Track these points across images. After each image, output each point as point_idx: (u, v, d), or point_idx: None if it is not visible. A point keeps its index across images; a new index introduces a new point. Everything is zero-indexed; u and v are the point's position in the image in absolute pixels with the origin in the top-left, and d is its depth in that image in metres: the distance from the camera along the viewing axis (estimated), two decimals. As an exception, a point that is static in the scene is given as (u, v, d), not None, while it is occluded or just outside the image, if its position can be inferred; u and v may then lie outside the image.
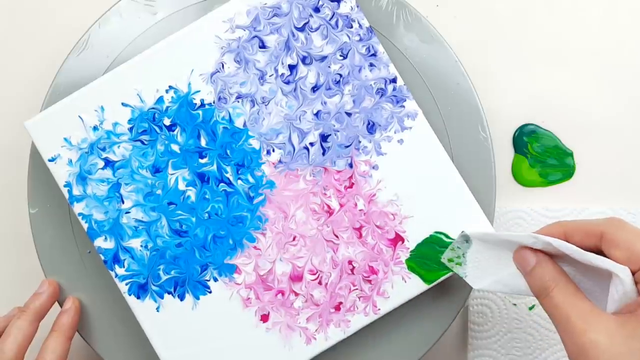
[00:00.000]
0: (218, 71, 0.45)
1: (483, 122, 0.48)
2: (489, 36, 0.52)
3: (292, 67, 0.45)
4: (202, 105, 0.45)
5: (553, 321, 0.37)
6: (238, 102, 0.45)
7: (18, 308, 0.46)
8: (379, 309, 0.44)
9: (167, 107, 0.45)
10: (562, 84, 0.52)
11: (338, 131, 0.45)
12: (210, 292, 0.45)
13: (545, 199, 0.51)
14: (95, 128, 0.45)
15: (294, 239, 0.45)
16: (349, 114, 0.45)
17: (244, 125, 0.45)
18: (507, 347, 0.50)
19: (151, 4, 0.49)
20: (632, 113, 0.52)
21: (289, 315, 0.45)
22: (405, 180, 0.45)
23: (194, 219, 0.45)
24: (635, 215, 0.50)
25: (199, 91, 0.45)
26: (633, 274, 0.36)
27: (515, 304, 0.50)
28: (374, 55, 0.45)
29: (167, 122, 0.45)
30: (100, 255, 0.45)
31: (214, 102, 0.45)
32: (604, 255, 0.37)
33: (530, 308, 0.50)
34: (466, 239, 0.42)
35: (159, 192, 0.45)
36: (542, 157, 0.51)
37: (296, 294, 0.45)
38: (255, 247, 0.45)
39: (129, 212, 0.45)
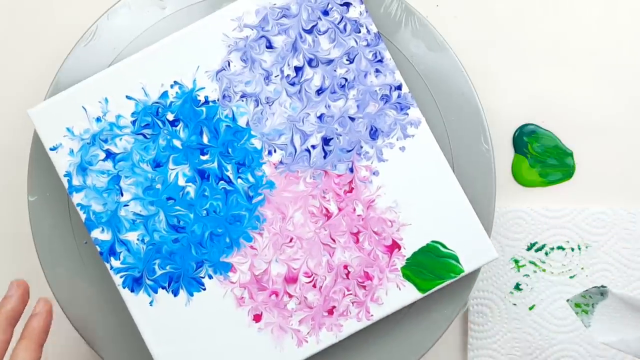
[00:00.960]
0: (224, 69, 0.45)
1: (486, 133, 0.48)
2: (489, 36, 0.52)
3: (298, 69, 0.45)
4: (206, 102, 0.45)
5: None
6: (242, 101, 0.45)
7: None
8: (372, 315, 0.44)
9: (171, 102, 0.45)
10: (562, 84, 0.52)
11: (340, 135, 0.45)
12: (204, 289, 0.45)
13: (545, 199, 0.51)
14: (98, 119, 0.45)
15: (290, 241, 0.45)
16: (352, 119, 0.45)
17: (247, 124, 0.45)
18: (507, 347, 0.50)
19: (161, -2, 0.49)
20: (632, 113, 0.52)
21: (281, 316, 0.45)
22: (405, 188, 0.45)
23: (192, 215, 0.45)
24: (635, 215, 0.50)
25: (203, 88, 0.45)
26: None
27: (515, 304, 0.50)
28: (381, 61, 0.45)
29: (170, 117, 0.45)
30: (97, 246, 0.45)
31: (218, 100, 0.45)
32: None
33: (531, 308, 0.50)
34: (602, 292, 0.42)
35: (158, 186, 0.45)
36: (542, 157, 0.52)
37: (290, 296, 0.45)
38: (251, 247, 0.45)
39: (127, 205, 0.45)
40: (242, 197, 0.45)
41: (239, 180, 0.45)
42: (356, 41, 0.45)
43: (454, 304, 0.47)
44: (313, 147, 0.45)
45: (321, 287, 0.45)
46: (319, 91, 0.45)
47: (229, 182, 0.45)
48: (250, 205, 0.45)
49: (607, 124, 0.52)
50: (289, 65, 0.45)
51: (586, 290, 0.42)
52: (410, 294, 0.45)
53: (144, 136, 0.45)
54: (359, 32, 0.45)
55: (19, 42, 0.53)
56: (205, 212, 0.45)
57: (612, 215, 0.51)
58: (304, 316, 0.45)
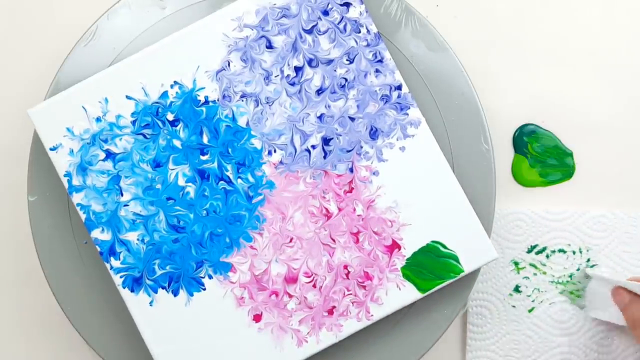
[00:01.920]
0: (224, 69, 0.45)
1: (486, 133, 0.48)
2: (489, 36, 0.52)
3: (298, 69, 0.45)
4: (206, 102, 0.45)
5: None
6: (242, 101, 0.45)
7: None
8: (372, 315, 0.44)
9: (171, 102, 0.45)
10: (562, 84, 0.52)
11: (340, 135, 0.45)
12: (204, 289, 0.45)
13: (545, 199, 0.51)
14: (98, 119, 0.45)
15: (290, 241, 0.45)
16: (352, 119, 0.45)
17: (247, 124, 0.45)
18: (506, 348, 0.50)
19: (161, -2, 0.49)
20: (632, 113, 0.52)
21: (281, 316, 0.45)
22: (405, 188, 0.45)
23: (192, 215, 0.45)
24: (636, 219, 0.51)
25: (203, 88, 0.45)
26: None
27: (514, 306, 0.50)
28: (381, 61, 0.45)
29: (170, 117, 0.45)
30: (97, 246, 0.45)
31: (218, 100, 0.45)
32: None
33: (530, 310, 0.50)
34: (587, 275, 0.50)
35: (158, 186, 0.45)
36: (542, 157, 0.51)
37: (290, 296, 0.45)
38: (251, 247, 0.45)
39: (127, 205, 0.45)
40: (242, 197, 0.45)
41: (239, 180, 0.45)
42: (356, 41, 0.45)
43: (454, 304, 0.47)
44: (313, 147, 0.45)
45: (321, 287, 0.45)
46: (319, 91, 0.45)
47: (229, 182, 0.45)
48: (250, 205, 0.45)
49: (607, 124, 0.52)
50: (289, 65, 0.45)
51: (575, 276, 0.49)
52: (410, 294, 0.45)
53: (144, 136, 0.45)
54: (359, 32, 0.45)
55: (19, 42, 0.53)
56: (205, 212, 0.45)
57: (613, 218, 0.51)
58: (304, 316, 0.45)
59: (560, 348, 0.50)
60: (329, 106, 0.45)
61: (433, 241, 0.45)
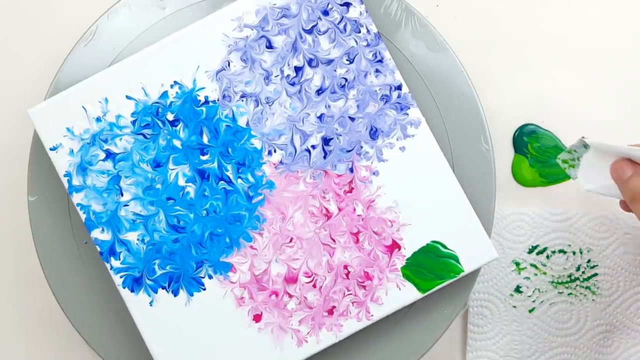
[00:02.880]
0: (224, 69, 0.45)
1: (486, 133, 0.48)
2: (489, 36, 0.52)
3: (298, 69, 0.45)
4: (206, 102, 0.45)
5: None
6: (242, 101, 0.45)
7: None
8: (372, 315, 0.44)
9: (171, 102, 0.45)
10: (562, 84, 0.52)
11: (340, 135, 0.45)
12: (204, 289, 0.45)
13: (545, 199, 0.52)
14: (98, 119, 0.45)
15: (290, 241, 0.45)
16: (352, 119, 0.45)
17: (247, 124, 0.45)
18: (506, 349, 0.50)
19: (161, -2, 0.49)
20: (632, 113, 0.52)
21: (281, 316, 0.45)
22: (405, 188, 0.45)
23: (192, 215, 0.45)
24: (637, 220, 0.50)
25: (203, 88, 0.45)
26: None
27: (515, 306, 0.50)
28: (381, 61, 0.45)
29: (170, 117, 0.45)
30: (97, 246, 0.45)
31: (218, 100, 0.45)
32: None
33: (530, 311, 0.50)
34: (585, 145, 0.45)
35: (158, 186, 0.45)
36: (542, 157, 0.52)
37: (290, 296, 0.45)
38: (251, 247, 0.45)
39: (127, 205, 0.45)
40: (242, 197, 0.45)
41: (239, 180, 0.45)
42: (356, 41, 0.45)
43: (454, 304, 0.47)
44: (313, 147, 0.45)
45: (321, 287, 0.45)
46: (319, 91, 0.45)
47: (229, 182, 0.45)
48: (250, 205, 0.45)
49: (607, 124, 0.52)
50: (289, 65, 0.45)
51: (572, 145, 0.45)
52: (410, 294, 0.44)
53: (144, 136, 0.45)
54: (359, 32, 0.45)
55: (19, 42, 0.53)
56: (205, 212, 0.45)
57: (614, 220, 0.51)
58: (304, 316, 0.45)
59: (560, 348, 0.50)
60: (329, 106, 0.45)
61: (433, 241, 0.45)
